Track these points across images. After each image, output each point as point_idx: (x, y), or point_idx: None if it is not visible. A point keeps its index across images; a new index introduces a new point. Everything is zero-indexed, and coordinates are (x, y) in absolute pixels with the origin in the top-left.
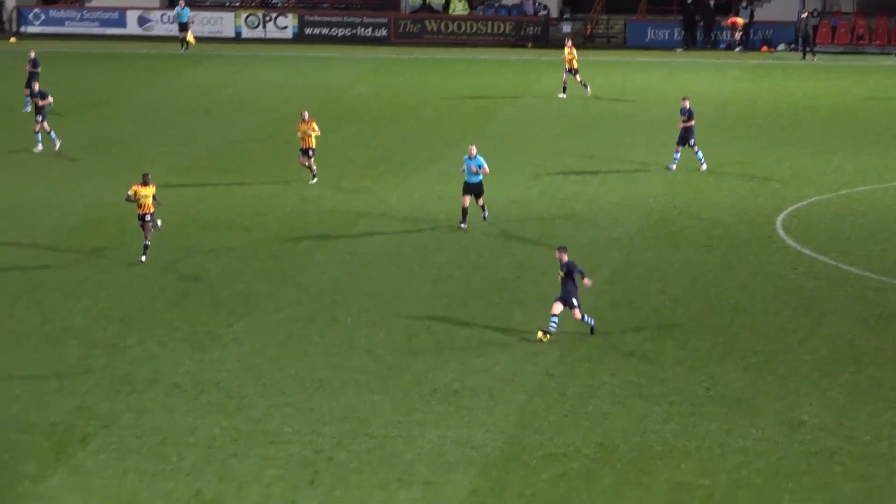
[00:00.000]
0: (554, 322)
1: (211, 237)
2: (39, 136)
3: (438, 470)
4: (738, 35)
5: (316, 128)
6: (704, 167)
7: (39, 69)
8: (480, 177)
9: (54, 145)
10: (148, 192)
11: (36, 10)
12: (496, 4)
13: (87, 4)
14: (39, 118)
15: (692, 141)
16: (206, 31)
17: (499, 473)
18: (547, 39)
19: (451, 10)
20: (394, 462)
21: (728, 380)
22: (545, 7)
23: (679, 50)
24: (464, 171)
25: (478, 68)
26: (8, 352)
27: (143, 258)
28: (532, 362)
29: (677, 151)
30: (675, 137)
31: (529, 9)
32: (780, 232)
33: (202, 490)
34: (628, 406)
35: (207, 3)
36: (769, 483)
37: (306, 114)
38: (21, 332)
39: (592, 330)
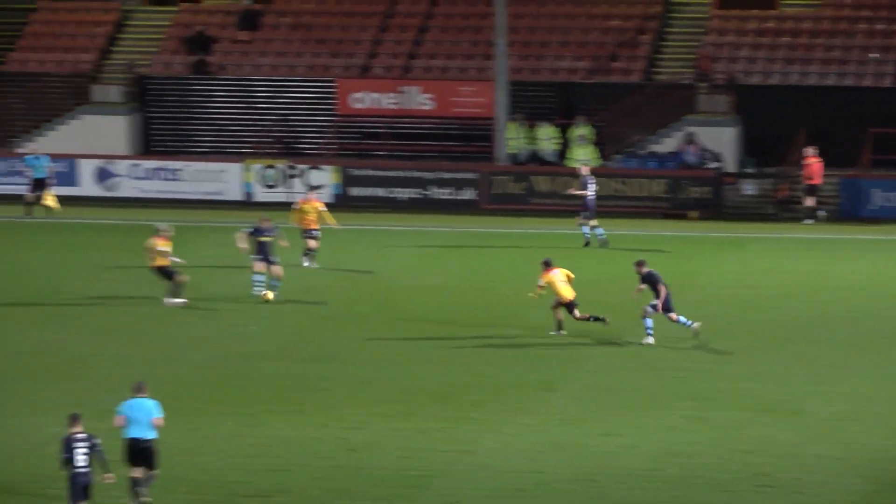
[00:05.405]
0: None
1: None
2: None
3: None
4: None
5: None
6: None
7: None
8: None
9: None
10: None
11: None
12: (642, 152)
13: None
14: None
15: None
16: (203, 190)
17: None
18: (720, 206)
19: (569, 161)
20: None
21: None
22: (716, 157)
23: None
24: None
25: (612, 250)
26: None
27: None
28: None
29: None
30: None
31: (692, 157)
32: None
33: None
34: None
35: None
36: None
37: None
38: None
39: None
